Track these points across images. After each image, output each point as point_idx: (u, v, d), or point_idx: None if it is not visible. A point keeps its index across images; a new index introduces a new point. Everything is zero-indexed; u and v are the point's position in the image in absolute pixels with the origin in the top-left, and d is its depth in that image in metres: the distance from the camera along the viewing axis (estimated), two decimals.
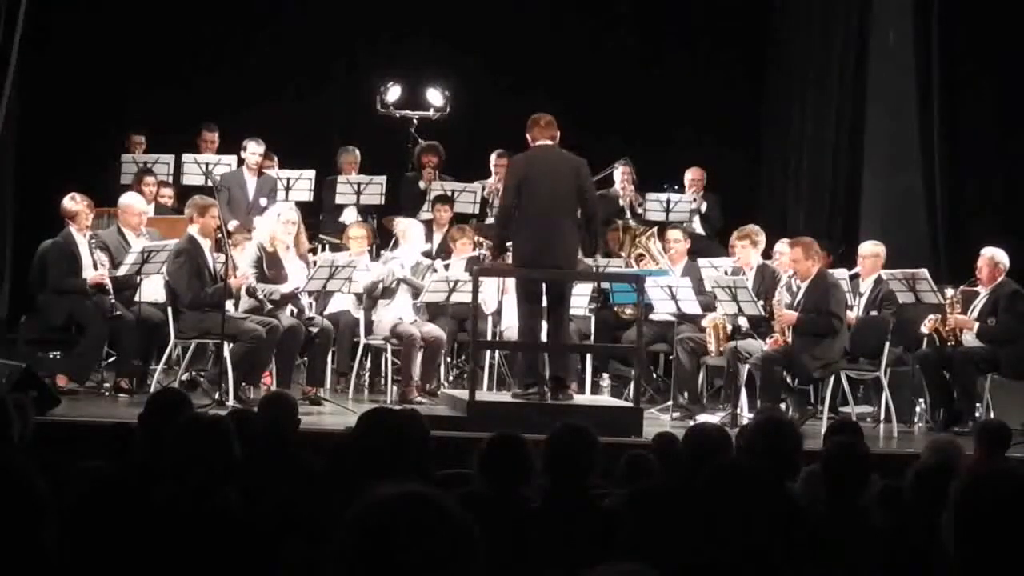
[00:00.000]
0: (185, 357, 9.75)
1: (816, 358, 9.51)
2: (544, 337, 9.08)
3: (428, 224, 11.42)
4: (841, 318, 9.61)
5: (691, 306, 10.04)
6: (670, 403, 10.00)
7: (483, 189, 12.18)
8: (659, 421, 9.58)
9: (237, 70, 13.26)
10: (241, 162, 11.67)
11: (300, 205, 10.79)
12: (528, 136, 9.01)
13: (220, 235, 9.60)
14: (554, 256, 8.82)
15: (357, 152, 12.41)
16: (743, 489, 3.78)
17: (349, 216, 12.00)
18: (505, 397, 9.32)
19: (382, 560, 2.11)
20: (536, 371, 8.91)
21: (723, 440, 5.07)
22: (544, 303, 8.97)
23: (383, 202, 12.06)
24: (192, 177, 11.85)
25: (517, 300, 9.19)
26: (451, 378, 10.71)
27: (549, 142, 8.95)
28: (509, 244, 9.13)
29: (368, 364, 10.73)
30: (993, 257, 10.15)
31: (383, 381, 10.40)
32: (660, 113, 13.48)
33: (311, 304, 10.09)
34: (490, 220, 12.21)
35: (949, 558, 2.82)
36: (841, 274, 10.24)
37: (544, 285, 8.96)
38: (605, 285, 10.61)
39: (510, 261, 9.25)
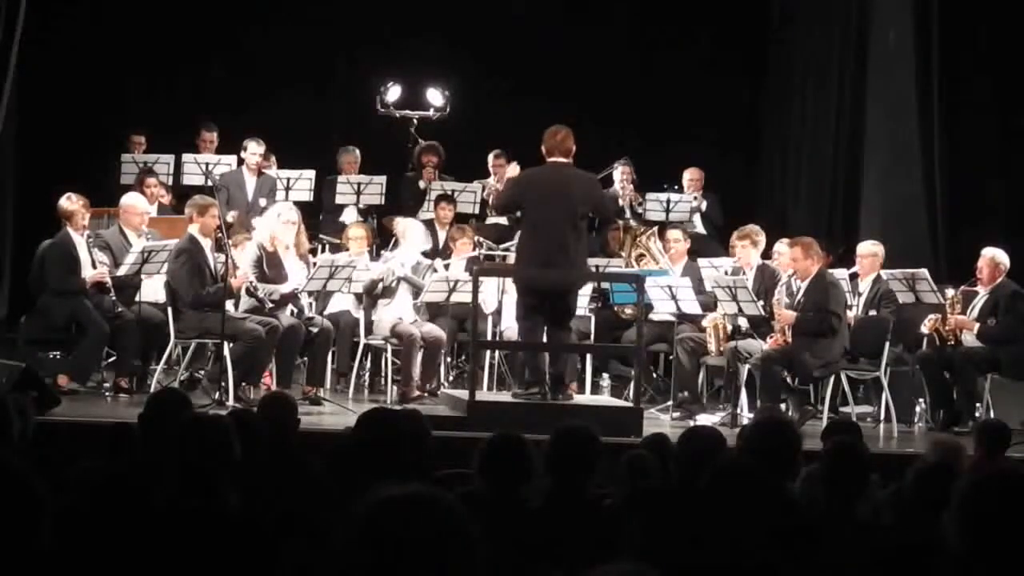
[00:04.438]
0: (185, 357, 9.75)
1: (816, 357, 9.51)
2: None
3: (428, 224, 11.42)
4: (840, 317, 9.61)
5: (691, 306, 10.04)
6: (670, 403, 10.00)
7: (483, 189, 12.18)
8: (659, 421, 9.58)
9: (237, 70, 13.26)
10: (241, 162, 11.67)
11: (300, 205, 10.78)
12: (543, 148, 8.79)
13: (220, 235, 9.60)
14: (559, 278, 8.73)
15: (357, 152, 12.42)
16: (743, 489, 3.77)
17: (349, 216, 12.01)
18: (505, 397, 9.31)
19: (385, 560, 2.11)
20: (539, 370, 8.89)
21: (718, 441, 5.07)
22: (546, 317, 8.90)
23: (383, 202, 12.07)
24: (192, 177, 11.85)
25: (516, 317, 9.16)
26: (451, 378, 10.71)
27: (563, 159, 8.74)
28: (511, 244, 9.10)
29: (368, 364, 10.73)
30: (994, 257, 10.14)
31: (383, 381, 10.40)
32: (660, 113, 13.48)
33: (311, 304, 10.09)
34: (490, 220, 12.23)
35: (951, 557, 2.83)
36: (840, 274, 10.24)
37: (548, 302, 8.87)
38: (605, 285, 10.60)
39: (511, 260, 9.24)
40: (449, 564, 2.12)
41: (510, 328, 10.32)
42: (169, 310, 9.46)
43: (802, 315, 9.58)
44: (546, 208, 8.66)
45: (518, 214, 9.58)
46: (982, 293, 10.14)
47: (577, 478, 4.63)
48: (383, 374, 10.43)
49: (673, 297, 9.99)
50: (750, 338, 9.91)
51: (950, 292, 10.15)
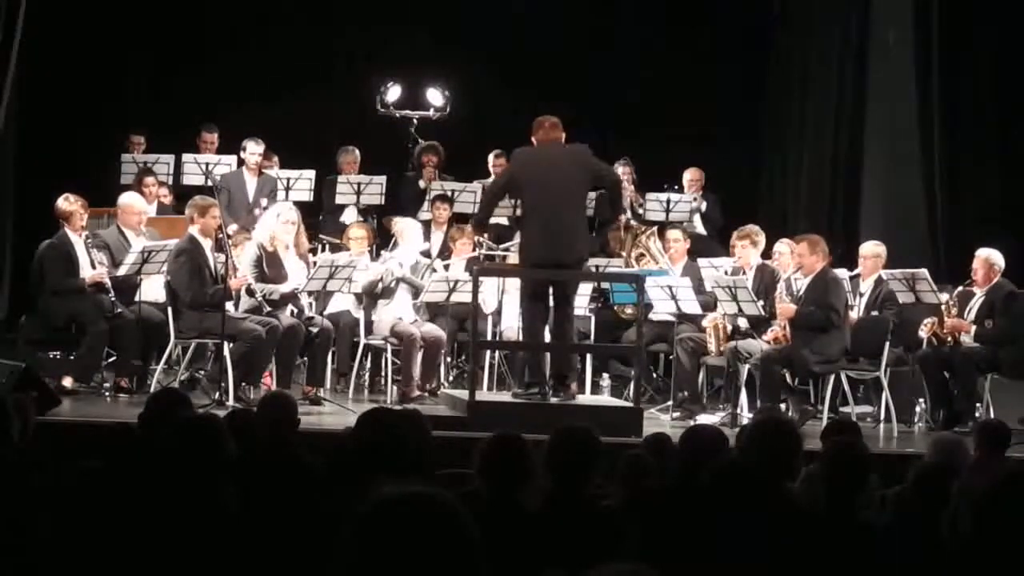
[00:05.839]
0: (185, 357, 9.75)
1: (816, 353, 9.50)
2: (547, 335, 9.06)
3: (428, 224, 11.42)
4: (839, 312, 9.59)
5: (691, 306, 10.04)
6: (670, 403, 10.00)
7: (483, 189, 12.17)
8: (659, 421, 9.59)
9: (237, 70, 13.26)
10: (241, 162, 11.67)
11: (300, 205, 10.77)
12: (533, 139, 8.92)
13: (220, 235, 9.60)
14: (561, 253, 8.77)
15: (357, 152, 12.42)
16: (743, 489, 3.78)
17: (349, 216, 12.01)
18: (505, 397, 9.31)
19: (388, 560, 2.11)
20: (539, 370, 8.89)
21: (720, 441, 5.07)
22: (550, 302, 8.92)
23: (383, 202, 12.07)
24: (192, 177, 11.85)
25: (521, 299, 9.16)
26: (451, 378, 10.71)
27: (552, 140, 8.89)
28: (511, 244, 9.08)
29: (368, 364, 10.73)
30: (988, 258, 10.13)
31: (383, 381, 10.40)
32: (660, 113, 13.48)
33: (311, 304, 10.09)
34: (491, 220, 12.21)
35: (951, 555, 2.83)
36: (842, 274, 10.23)
37: (553, 286, 8.90)
38: (605, 285, 10.61)
39: (511, 260, 9.23)
40: (450, 564, 2.12)
41: (510, 328, 10.33)
42: (169, 310, 9.46)
43: (802, 309, 9.58)
44: (543, 187, 8.70)
45: (518, 212, 9.59)
46: (978, 295, 10.12)
47: (577, 479, 4.63)
48: (383, 374, 10.43)
49: (673, 297, 9.99)
50: (750, 338, 9.91)
51: (944, 296, 10.14)
